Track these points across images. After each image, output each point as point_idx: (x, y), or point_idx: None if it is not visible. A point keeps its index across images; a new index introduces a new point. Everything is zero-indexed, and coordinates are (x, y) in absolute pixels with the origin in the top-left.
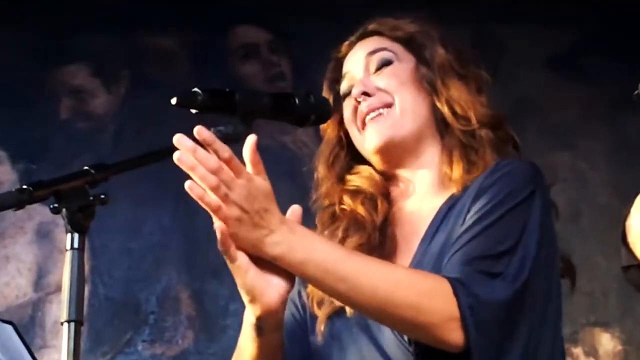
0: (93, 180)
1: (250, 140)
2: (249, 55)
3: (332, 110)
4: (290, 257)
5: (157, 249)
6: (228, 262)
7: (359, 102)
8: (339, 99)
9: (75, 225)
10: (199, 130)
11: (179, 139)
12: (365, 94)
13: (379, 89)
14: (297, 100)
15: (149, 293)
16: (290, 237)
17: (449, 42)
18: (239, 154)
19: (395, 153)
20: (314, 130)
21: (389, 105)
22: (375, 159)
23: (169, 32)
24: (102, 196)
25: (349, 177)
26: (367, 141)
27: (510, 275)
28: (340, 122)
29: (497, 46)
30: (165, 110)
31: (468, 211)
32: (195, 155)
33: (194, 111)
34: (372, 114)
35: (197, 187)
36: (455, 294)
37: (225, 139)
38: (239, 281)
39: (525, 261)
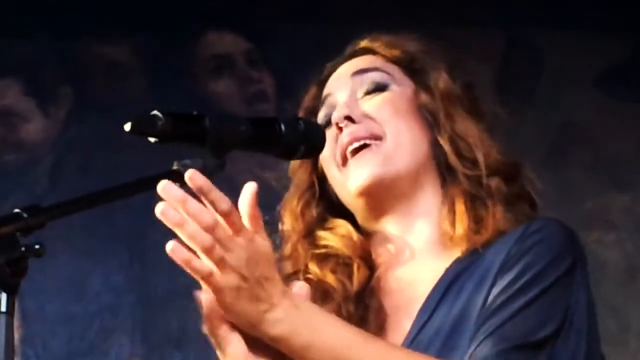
0: (26, 227)
1: (250, 189)
2: (222, 68)
3: (326, 138)
4: (293, 339)
5: (105, 314)
6: (215, 347)
7: (340, 129)
8: None
9: (3, 282)
10: (192, 176)
11: (164, 187)
12: (349, 118)
13: (366, 115)
14: (282, 127)
15: None
16: (294, 313)
17: (457, 73)
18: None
19: (385, 197)
20: None
21: (377, 138)
22: (358, 204)
23: (121, 39)
24: (37, 247)
25: (320, 232)
26: (350, 180)
27: None
28: (315, 162)
29: (534, 58)
30: (116, 138)
31: (492, 285)
32: (185, 208)
33: (152, 140)
34: (356, 144)
35: (182, 250)
36: None
37: None
38: None
39: (575, 353)
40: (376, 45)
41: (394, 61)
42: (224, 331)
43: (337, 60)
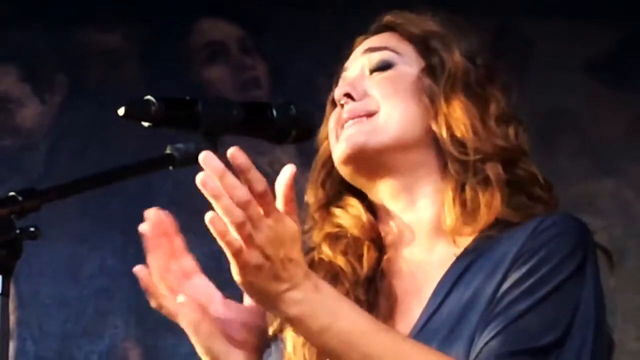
0: (21, 210)
1: (288, 171)
2: (215, 55)
3: (317, 124)
4: (311, 321)
5: (100, 297)
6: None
7: (342, 105)
8: None
9: None
10: (234, 153)
11: (205, 158)
12: (349, 96)
13: (366, 93)
14: (274, 112)
15: (90, 351)
16: (314, 296)
17: (475, 53)
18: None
19: (370, 166)
20: (295, 149)
21: (372, 114)
22: (346, 174)
23: (115, 26)
24: (32, 229)
25: (334, 209)
26: (336, 150)
27: None
28: None
29: (523, 45)
30: (110, 123)
31: (503, 279)
32: (223, 182)
33: (146, 124)
34: (351, 122)
35: (221, 222)
36: None
37: (184, 159)
38: (192, 339)
39: (581, 351)
40: (397, 22)
41: (410, 39)
42: (169, 302)
43: (366, 34)
